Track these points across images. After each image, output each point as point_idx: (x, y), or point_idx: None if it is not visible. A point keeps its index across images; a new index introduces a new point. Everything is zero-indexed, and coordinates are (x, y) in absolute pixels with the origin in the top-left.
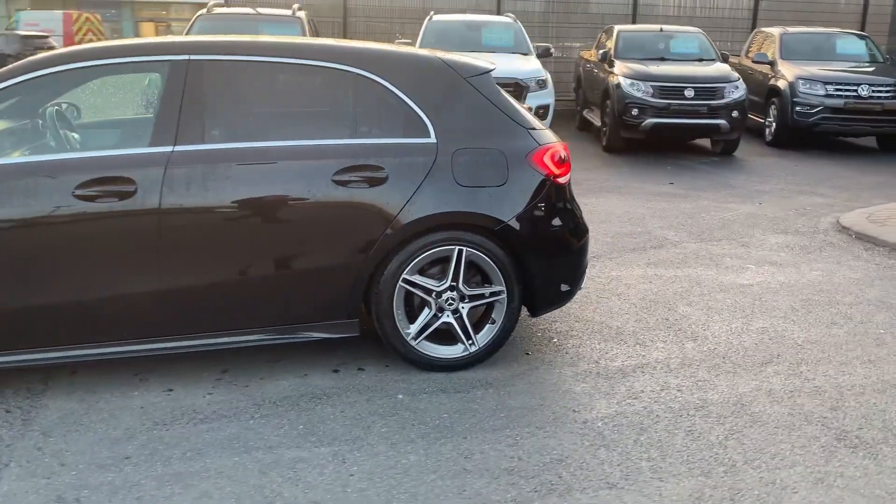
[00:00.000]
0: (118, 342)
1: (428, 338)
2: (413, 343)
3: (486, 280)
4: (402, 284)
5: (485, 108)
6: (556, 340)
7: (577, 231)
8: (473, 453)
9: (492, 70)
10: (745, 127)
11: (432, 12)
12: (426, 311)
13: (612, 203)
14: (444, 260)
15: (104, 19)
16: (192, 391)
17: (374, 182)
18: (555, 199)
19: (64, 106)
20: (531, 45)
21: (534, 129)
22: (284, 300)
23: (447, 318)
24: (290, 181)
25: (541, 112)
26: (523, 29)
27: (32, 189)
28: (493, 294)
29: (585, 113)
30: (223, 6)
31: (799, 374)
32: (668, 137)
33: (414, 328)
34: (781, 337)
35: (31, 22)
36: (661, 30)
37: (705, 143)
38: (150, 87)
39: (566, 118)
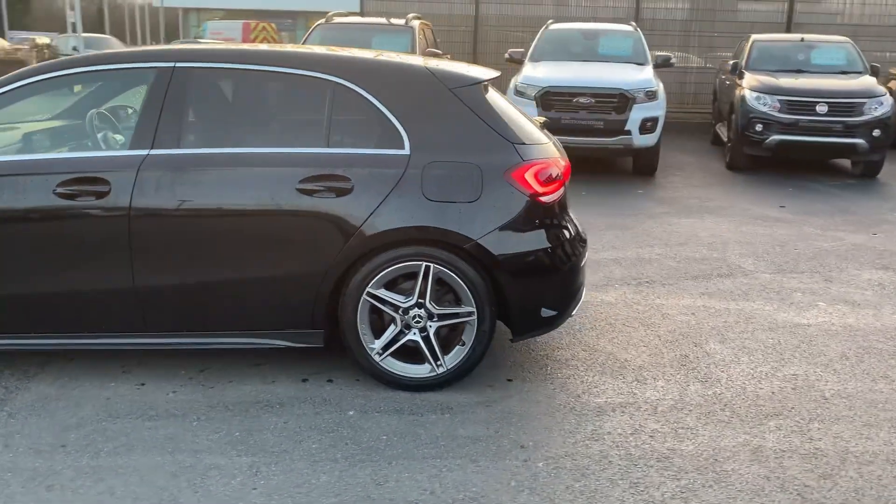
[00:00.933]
0: (96, 335)
1: (396, 355)
2: (377, 359)
3: (459, 299)
4: (367, 298)
5: (467, 121)
6: (548, 368)
7: (564, 253)
8: (388, 480)
9: (484, 81)
10: (889, 146)
11: (550, 20)
12: (392, 326)
13: (702, 225)
14: (413, 275)
15: (280, 28)
16: (161, 387)
17: (339, 192)
18: (536, 218)
19: (112, 107)
20: (649, 55)
21: (522, 143)
22: (249, 305)
23: (413, 335)
24: (255, 188)
25: (648, 125)
26: (643, 38)
27: (22, 186)
28: (463, 314)
29: (718, 127)
30: (346, 15)
31: (804, 432)
32: (798, 157)
33: (379, 343)
34: (809, 387)
35: (216, 31)
36: (803, 39)
37: (846, 163)
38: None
39: (703, 132)
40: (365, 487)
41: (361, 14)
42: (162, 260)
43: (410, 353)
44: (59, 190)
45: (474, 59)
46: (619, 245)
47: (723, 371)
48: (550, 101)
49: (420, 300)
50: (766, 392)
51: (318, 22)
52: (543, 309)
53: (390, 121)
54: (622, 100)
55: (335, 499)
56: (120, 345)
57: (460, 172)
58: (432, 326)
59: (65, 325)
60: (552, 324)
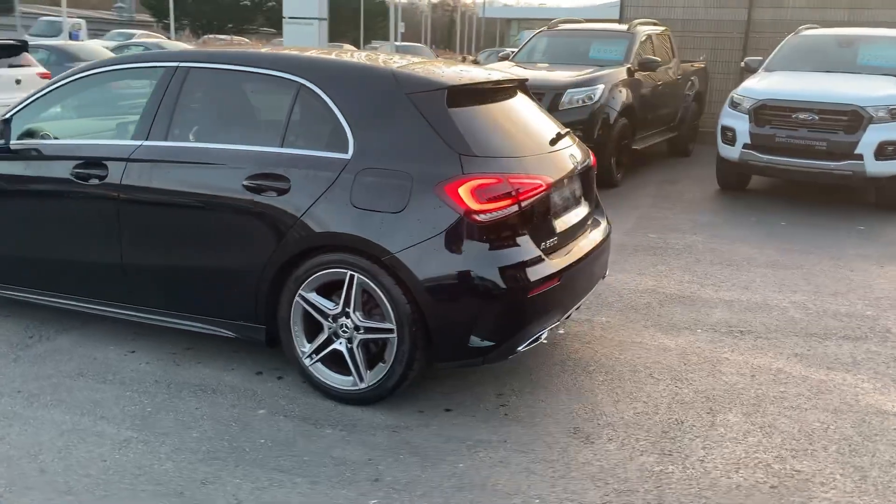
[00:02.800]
0: (97, 300)
1: (326, 362)
2: (307, 362)
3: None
4: (299, 300)
5: (416, 127)
6: (508, 408)
7: (505, 279)
8: (211, 481)
9: (446, 87)
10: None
11: (803, 25)
12: (323, 332)
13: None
14: (342, 283)
15: None
16: (141, 357)
17: (279, 192)
18: (468, 237)
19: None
20: None
21: (472, 155)
22: (203, 292)
23: (340, 345)
24: (212, 181)
25: (889, 149)
26: None
27: (54, 167)
28: (384, 331)
29: None
30: (569, 22)
31: None
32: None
33: (310, 347)
34: (801, 489)
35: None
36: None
37: None
38: None
39: None
40: (192, 480)
41: (620, 21)
42: (140, 240)
43: (342, 363)
44: (75, 171)
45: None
46: (753, 286)
47: (705, 450)
48: (765, 115)
49: (346, 310)
50: (736, 486)
51: (541, 29)
52: (473, 337)
53: (340, 123)
54: (854, 118)
55: (156, 487)
56: (108, 312)
57: (391, 181)
58: (356, 339)
59: (75, 288)
60: (486, 355)
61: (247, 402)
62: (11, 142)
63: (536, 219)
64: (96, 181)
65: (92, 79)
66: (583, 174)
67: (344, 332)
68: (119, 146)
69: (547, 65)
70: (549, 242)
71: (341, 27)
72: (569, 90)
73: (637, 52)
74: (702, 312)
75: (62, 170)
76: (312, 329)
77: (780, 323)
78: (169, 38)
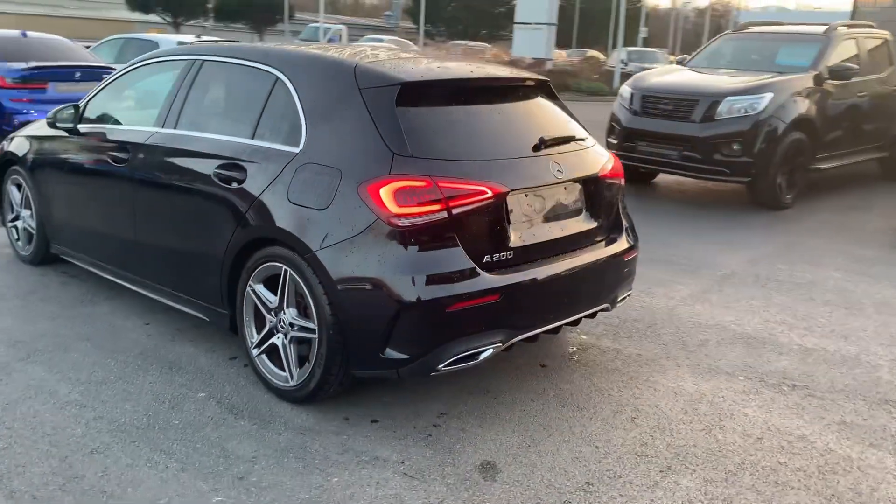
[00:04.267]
0: (123, 272)
1: (270, 355)
2: (254, 352)
3: None
4: (249, 291)
5: (361, 123)
6: (429, 434)
7: (419, 290)
8: (100, 450)
9: (399, 83)
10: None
11: None
12: (266, 325)
13: None
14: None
15: None
16: (148, 330)
17: (238, 182)
18: (385, 241)
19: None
20: None
21: (408, 156)
22: (184, 273)
23: (277, 339)
24: (194, 167)
25: None
26: None
27: (97, 149)
28: (309, 330)
29: None
30: (764, 24)
31: None
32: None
33: (256, 339)
34: None
35: None
36: None
37: None
38: None
39: None
40: (78, 450)
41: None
42: (145, 219)
43: (281, 358)
44: (109, 154)
45: None
46: (857, 336)
47: None
48: None
49: (282, 305)
50: None
51: (725, 32)
52: (388, 349)
53: (299, 116)
54: None
55: (50, 448)
56: (129, 284)
57: (322, 177)
58: (290, 335)
59: (108, 258)
60: (401, 367)
61: (198, 383)
62: (79, 125)
63: (476, 228)
64: (122, 164)
65: (147, 69)
66: (590, 185)
67: (281, 327)
68: (141, 132)
69: (724, 70)
70: (498, 256)
71: (591, 32)
72: (727, 98)
73: (829, 59)
74: (762, 359)
75: (104, 152)
76: (261, 321)
77: (855, 383)
78: (412, 43)
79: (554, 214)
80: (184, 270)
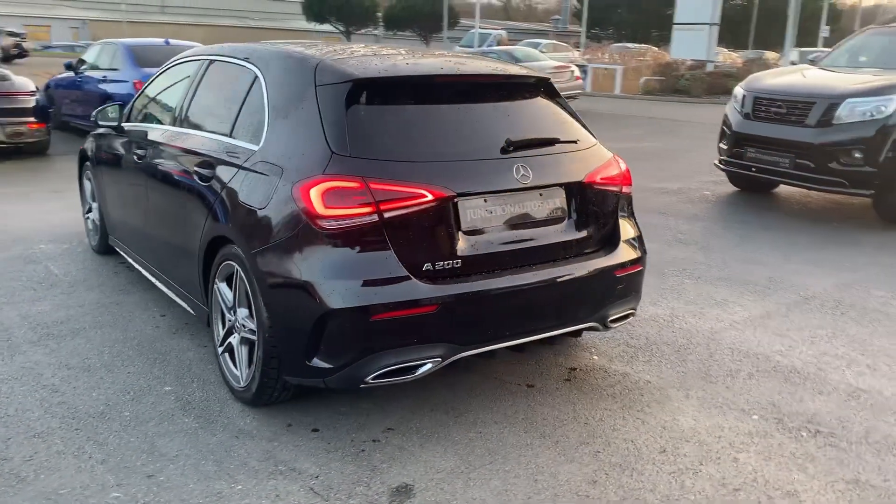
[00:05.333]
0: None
1: (230, 353)
2: (219, 350)
3: None
4: (216, 288)
5: (311, 121)
6: (362, 450)
7: (341, 296)
8: (41, 435)
9: (352, 80)
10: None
11: None
12: (226, 324)
13: None
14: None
15: None
16: (161, 322)
17: (207, 180)
18: (311, 244)
19: None
20: None
21: (346, 156)
22: (173, 265)
23: (234, 339)
24: (182, 165)
25: None
26: None
27: (130, 146)
28: (253, 331)
29: None
30: None
31: None
32: None
33: (221, 336)
34: None
35: None
36: None
37: None
38: None
39: None
40: (23, 432)
41: None
42: (153, 213)
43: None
44: (135, 151)
45: None
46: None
47: None
48: None
49: (235, 304)
50: None
51: (868, 27)
52: (315, 357)
53: (265, 113)
54: None
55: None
56: (147, 272)
57: (266, 176)
58: (240, 335)
59: (136, 249)
60: (327, 377)
61: (171, 377)
62: (123, 123)
63: (414, 234)
64: (140, 161)
65: (177, 67)
66: (577, 192)
67: (237, 326)
68: (157, 129)
69: (866, 70)
70: (443, 265)
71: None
72: (848, 100)
73: None
74: (793, 397)
75: (131, 149)
76: (224, 319)
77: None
78: (576, 47)
79: (523, 222)
80: (176, 265)
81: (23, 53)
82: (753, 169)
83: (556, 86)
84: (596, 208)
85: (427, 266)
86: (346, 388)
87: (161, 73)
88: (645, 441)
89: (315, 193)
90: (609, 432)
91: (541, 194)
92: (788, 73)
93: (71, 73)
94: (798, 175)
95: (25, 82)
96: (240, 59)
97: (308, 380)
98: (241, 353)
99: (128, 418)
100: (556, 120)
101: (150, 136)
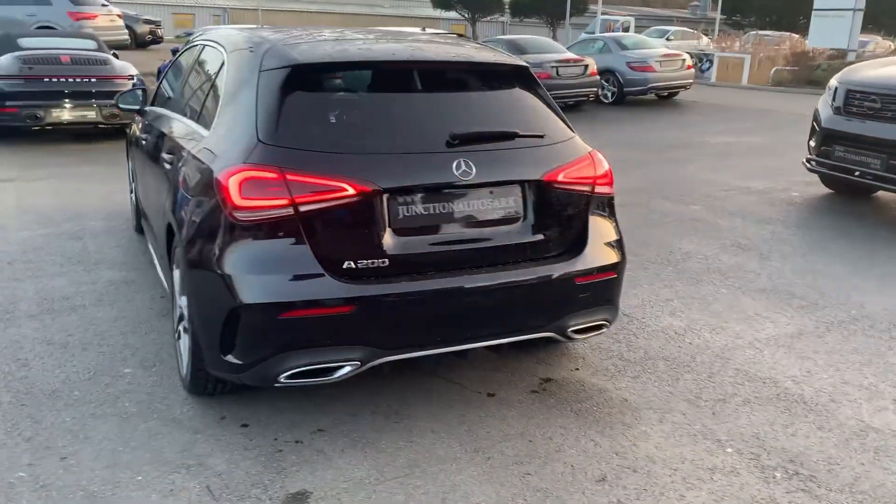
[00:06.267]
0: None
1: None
2: (175, 338)
3: None
4: (172, 275)
5: (248, 107)
6: (279, 449)
7: (249, 291)
8: None
9: (291, 66)
10: None
11: None
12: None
13: None
14: None
15: None
16: (158, 304)
17: (170, 165)
18: (226, 235)
19: None
20: None
21: (271, 144)
22: (157, 244)
23: (181, 327)
24: (160, 149)
25: None
26: None
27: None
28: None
29: None
30: None
31: None
32: None
33: (176, 322)
34: None
35: None
36: None
37: None
38: None
39: None
40: None
41: None
42: (149, 190)
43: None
44: (143, 134)
45: None
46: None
47: None
48: None
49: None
50: None
51: None
52: (230, 354)
53: (220, 99)
54: None
55: None
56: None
57: (202, 164)
58: (182, 323)
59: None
60: (240, 373)
61: (136, 360)
62: (146, 107)
63: (335, 230)
64: (144, 143)
65: (187, 52)
66: (537, 191)
67: (182, 314)
68: (158, 113)
69: None
70: (367, 263)
71: None
72: None
73: None
74: (785, 431)
75: (144, 131)
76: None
77: (893, 487)
78: (705, 35)
79: (469, 222)
80: (157, 248)
81: (157, 40)
82: (841, 170)
83: (622, 75)
84: (559, 209)
85: (348, 264)
86: (261, 385)
87: (176, 58)
88: (587, 467)
89: (233, 183)
90: (552, 453)
91: (491, 192)
92: (890, 65)
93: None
94: (890, 178)
95: (125, 67)
96: (217, 44)
97: (225, 374)
98: (184, 341)
99: (75, 398)
100: (525, 112)
101: (153, 120)
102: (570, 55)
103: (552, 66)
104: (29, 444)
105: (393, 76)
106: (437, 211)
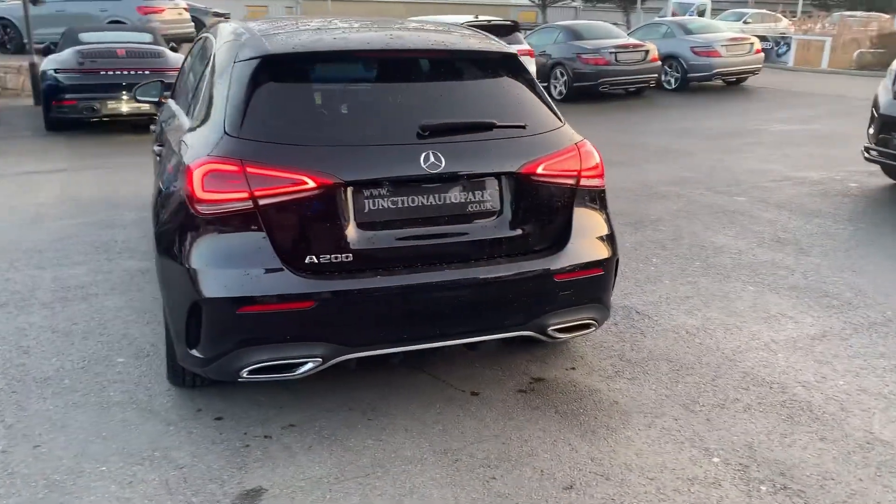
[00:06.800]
0: None
1: None
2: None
3: None
4: None
5: (221, 99)
6: (247, 444)
7: (207, 285)
8: None
9: (261, 57)
10: None
11: None
12: None
13: None
14: None
15: None
16: None
17: (159, 157)
18: (189, 228)
19: None
20: None
21: (236, 137)
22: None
23: None
24: (160, 138)
25: None
26: None
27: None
28: None
29: None
30: None
31: None
32: None
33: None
34: None
35: None
36: None
37: None
38: None
39: None
40: None
41: None
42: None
43: None
44: (159, 122)
45: None
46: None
47: None
48: None
49: None
50: None
51: None
52: (195, 349)
53: (202, 91)
54: None
55: None
56: None
57: (178, 156)
58: None
59: None
60: (204, 367)
61: (131, 350)
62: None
63: (296, 224)
64: (157, 133)
65: (197, 43)
66: (515, 184)
67: None
68: (169, 105)
69: None
70: (330, 258)
71: None
72: None
73: None
74: (782, 441)
75: (159, 121)
76: None
77: None
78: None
79: (440, 216)
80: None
81: None
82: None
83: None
84: (539, 203)
85: (311, 259)
86: (226, 380)
87: (191, 50)
88: (557, 473)
89: (197, 176)
90: (524, 457)
91: (465, 186)
92: None
93: None
94: None
95: (178, 59)
96: (213, 35)
97: (192, 368)
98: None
99: (64, 386)
100: (510, 101)
101: (163, 112)
102: (629, 40)
103: (610, 52)
104: (8, 431)
105: (367, 66)
106: (407, 205)
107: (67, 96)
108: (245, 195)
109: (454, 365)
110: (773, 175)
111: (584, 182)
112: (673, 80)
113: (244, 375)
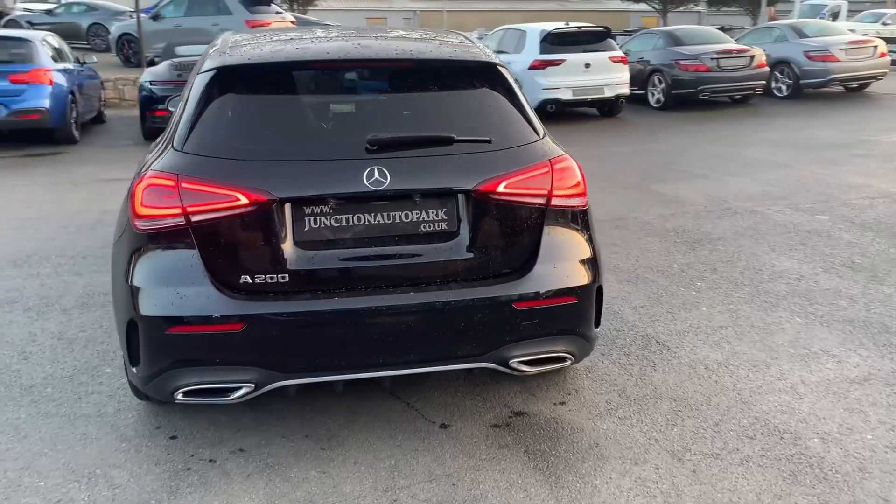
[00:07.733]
0: None
1: None
2: None
3: None
4: None
5: (178, 112)
6: (188, 467)
7: (138, 304)
8: None
9: (215, 69)
10: None
11: None
12: None
13: None
14: None
15: None
16: None
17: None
18: (128, 244)
19: None
20: None
21: (180, 151)
22: None
23: None
24: None
25: None
26: None
27: None
28: None
29: None
30: None
31: None
32: None
33: None
34: None
35: None
36: None
37: None
38: None
39: None
40: None
41: None
42: None
43: None
44: None
45: None
46: None
47: None
48: None
49: None
50: None
51: None
52: (135, 367)
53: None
54: None
55: None
56: None
57: (140, 168)
58: None
59: None
60: (144, 386)
61: (118, 363)
62: None
63: (230, 242)
64: None
65: None
66: (474, 203)
67: None
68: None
69: None
70: (265, 279)
71: None
72: None
73: None
74: (783, 501)
75: None
76: None
77: None
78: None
79: (390, 236)
80: None
81: None
82: None
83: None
84: (501, 224)
85: (244, 279)
86: (164, 400)
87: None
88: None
89: (139, 191)
90: (468, 501)
91: (416, 204)
92: None
93: None
94: None
95: None
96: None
97: (137, 385)
98: None
99: (44, 395)
100: (482, 113)
101: None
102: (732, 45)
103: (712, 59)
104: None
105: (324, 77)
106: (351, 223)
107: (161, 107)
108: (178, 211)
109: (434, 392)
110: (869, 191)
111: (556, 202)
112: (784, 87)
113: (179, 397)
